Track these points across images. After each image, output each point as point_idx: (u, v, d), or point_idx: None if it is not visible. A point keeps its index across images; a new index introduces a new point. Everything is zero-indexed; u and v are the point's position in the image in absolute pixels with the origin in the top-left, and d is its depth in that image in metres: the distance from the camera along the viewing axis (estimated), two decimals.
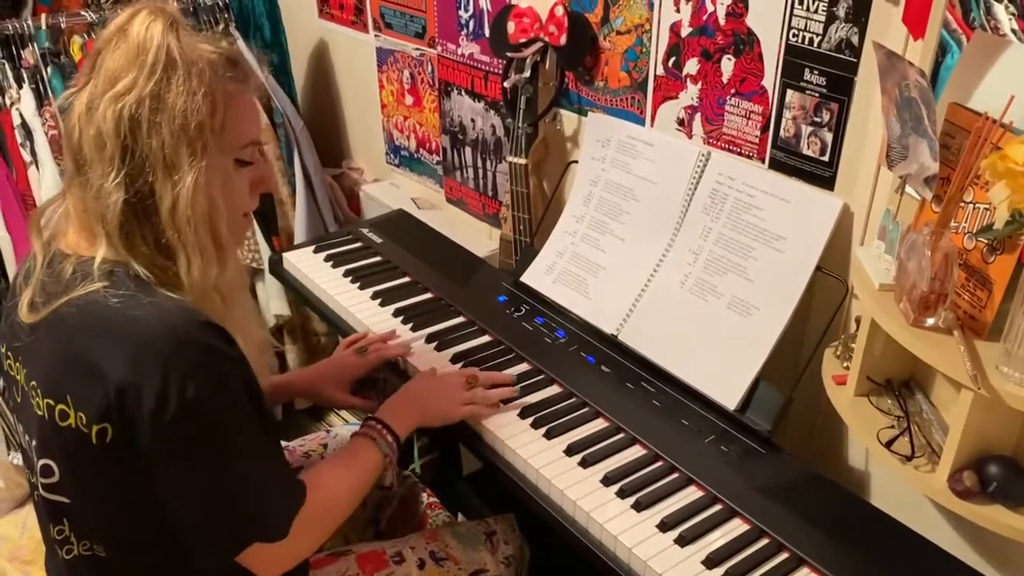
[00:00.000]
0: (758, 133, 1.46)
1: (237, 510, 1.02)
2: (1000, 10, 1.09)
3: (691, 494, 1.24)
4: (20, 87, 2.07)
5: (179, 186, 0.98)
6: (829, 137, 1.36)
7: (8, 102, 2.06)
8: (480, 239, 2.14)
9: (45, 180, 2.05)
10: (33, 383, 1.03)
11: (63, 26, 2.11)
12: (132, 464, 0.98)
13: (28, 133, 2.05)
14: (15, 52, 2.07)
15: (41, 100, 2.07)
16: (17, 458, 2.16)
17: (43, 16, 2.08)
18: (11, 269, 2.06)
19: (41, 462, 1.05)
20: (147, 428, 0.95)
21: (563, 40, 1.68)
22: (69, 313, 0.99)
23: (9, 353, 1.09)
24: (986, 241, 1.06)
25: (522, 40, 1.73)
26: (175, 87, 0.98)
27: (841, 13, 1.28)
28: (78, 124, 1.00)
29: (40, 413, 1.02)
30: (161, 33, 0.98)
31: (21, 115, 2.05)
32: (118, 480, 1.01)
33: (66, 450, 1.02)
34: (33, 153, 2.06)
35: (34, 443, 1.06)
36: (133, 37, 0.98)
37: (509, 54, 1.76)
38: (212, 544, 1.04)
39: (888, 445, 1.19)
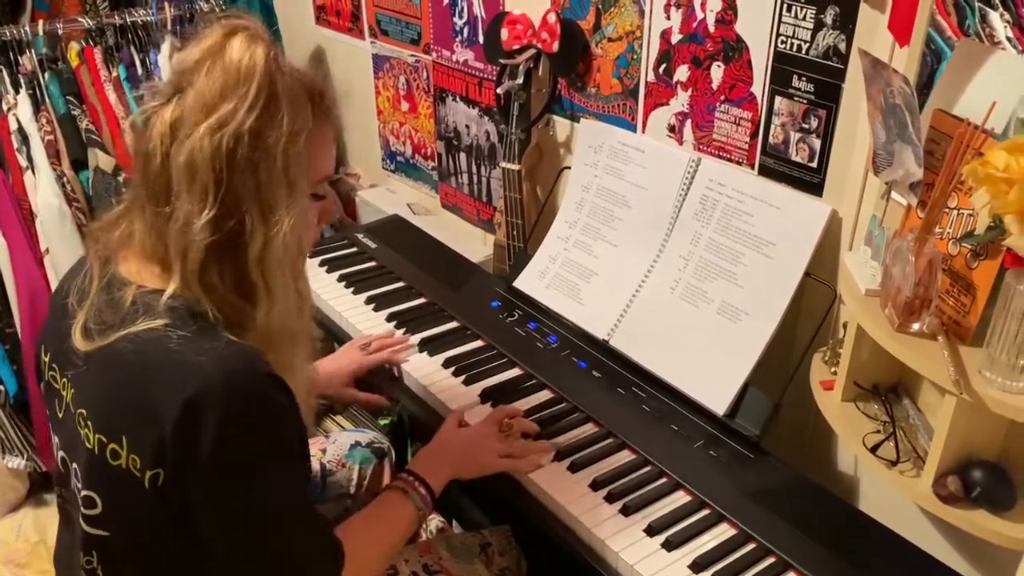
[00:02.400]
0: (747, 139, 1.47)
1: (280, 571, 1.00)
2: (995, 18, 1.09)
3: (679, 499, 1.24)
4: (17, 92, 2.08)
5: (274, 229, 0.94)
6: (817, 143, 1.37)
7: (5, 107, 2.08)
8: (474, 244, 2.15)
9: (41, 185, 2.06)
10: (82, 411, 1.01)
11: (60, 32, 2.13)
12: (180, 510, 0.96)
13: (24, 138, 2.07)
14: (12, 58, 2.09)
15: (38, 106, 2.09)
16: (12, 461, 2.16)
17: (40, 22, 2.10)
18: (7, 275, 2.07)
19: (84, 492, 1.03)
20: (199, 477, 0.93)
21: (556, 47, 1.69)
22: (127, 349, 0.94)
23: (55, 366, 1.06)
24: (969, 247, 1.06)
25: (515, 47, 1.74)
26: (276, 125, 0.92)
27: (828, 20, 1.29)
28: (159, 148, 0.93)
29: (90, 447, 0.99)
30: (264, 62, 0.92)
31: (18, 120, 2.07)
32: (164, 523, 0.98)
33: (114, 488, 0.99)
34: (29, 158, 2.07)
35: (76, 468, 1.04)
36: (233, 62, 0.92)
37: (503, 61, 1.77)
38: None
39: (874, 450, 1.19)
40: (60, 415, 1.06)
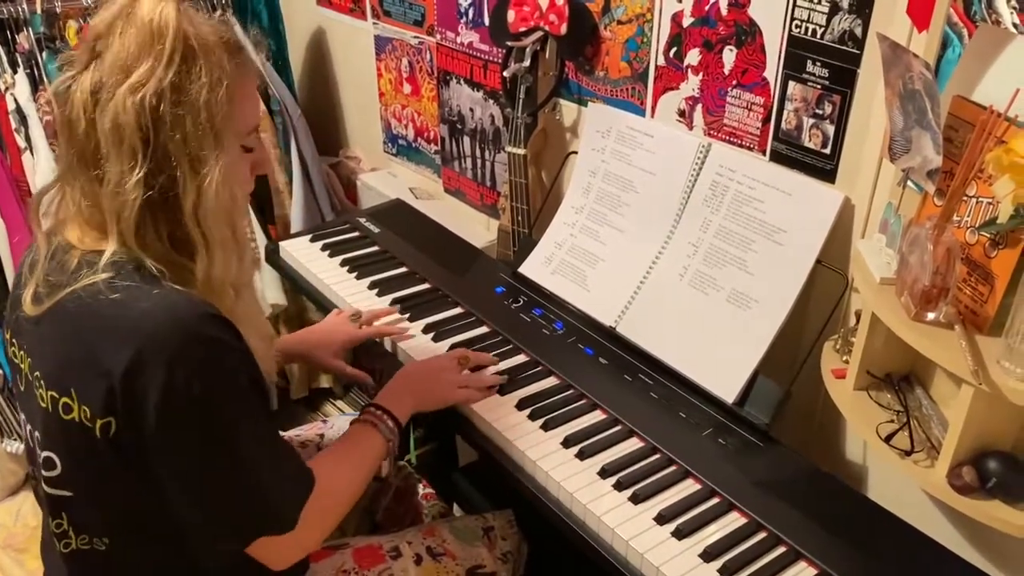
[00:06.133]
0: (759, 125, 1.45)
1: (245, 503, 1.01)
2: (1001, 3, 1.08)
3: (689, 487, 1.23)
4: (15, 72, 2.05)
5: (205, 181, 0.95)
6: (831, 129, 1.35)
7: (3, 87, 2.04)
8: (478, 230, 2.13)
9: (40, 166, 2.03)
10: (37, 374, 1.02)
11: (58, 11, 2.09)
12: (136, 458, 0.97)
13: (23, 119, 2.04)
14: (10, 36, 2.05)
15: (36, 86, 2.06)
16: (11, 446, 2.15)
17: (38, 0, 2.06)
18: (4, 256, 2.05)
19: (44, 454, 1.03)
20: (152, 422, 0.93)
21: (564, 29, 1.66)
22: (73, 305, 0.96)
23: (14, 340, 1.07)
24: (989, 235, 1.05)
25: (522, 29, 1.72)
26: (196, 78, 0.94)
27: (844, 4, 1.27)
28: (83, 114, 0.95)
29: (44, 405, 1.00)
30: (176, 18, 0.94)
31: (16, 100, 2.04)
32: (122, 474, 0.99)
33: (69, 443, 1.00)
34: (27, 139, 2.04)
35: (37, 435, 1.05)
36: (144, 22, 0.94)
37: (509, 43, 1.75)
38: (220, 538, 1.03)
39: (887, 439, 1.18)
40: (23, 388, 1.07)
